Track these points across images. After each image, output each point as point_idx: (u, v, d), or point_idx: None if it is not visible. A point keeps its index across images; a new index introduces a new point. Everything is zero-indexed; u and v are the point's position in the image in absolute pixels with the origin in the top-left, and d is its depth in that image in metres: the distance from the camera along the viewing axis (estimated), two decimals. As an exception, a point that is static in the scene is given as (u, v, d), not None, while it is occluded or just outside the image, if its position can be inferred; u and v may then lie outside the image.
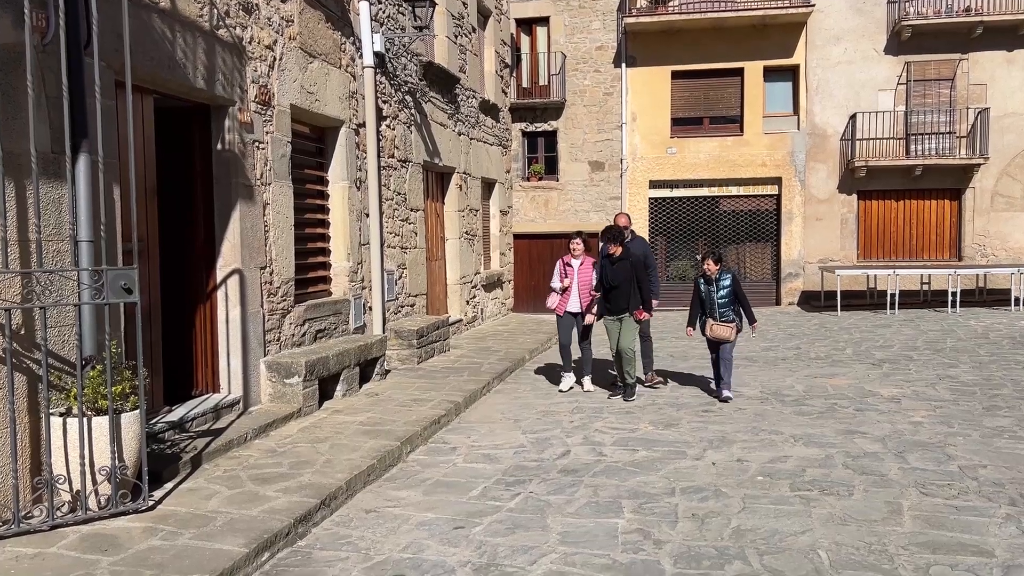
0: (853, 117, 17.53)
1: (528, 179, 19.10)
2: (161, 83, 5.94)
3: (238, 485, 5.22)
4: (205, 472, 5.48)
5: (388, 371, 9.37)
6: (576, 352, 9.19)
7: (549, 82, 19.02)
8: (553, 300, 9.01)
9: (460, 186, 13.26)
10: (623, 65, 18.47)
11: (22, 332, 4.55)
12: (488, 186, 15.54)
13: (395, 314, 10.55)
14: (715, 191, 18.60)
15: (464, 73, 13.40)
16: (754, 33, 17.79)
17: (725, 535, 4.63)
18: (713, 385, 8.72)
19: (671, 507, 5.10)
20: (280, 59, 7.55)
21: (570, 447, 6.59)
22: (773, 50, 17.86)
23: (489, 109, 15.11)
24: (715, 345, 8.32)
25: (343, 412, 7.45)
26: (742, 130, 18.20)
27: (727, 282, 8.17)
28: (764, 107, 18.16)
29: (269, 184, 7.36)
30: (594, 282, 8.68)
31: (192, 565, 3.92)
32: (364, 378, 8.70)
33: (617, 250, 8.32)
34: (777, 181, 18.18)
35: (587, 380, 9.01)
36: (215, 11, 6.49)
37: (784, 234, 18.24)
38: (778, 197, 18.29)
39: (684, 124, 18.58)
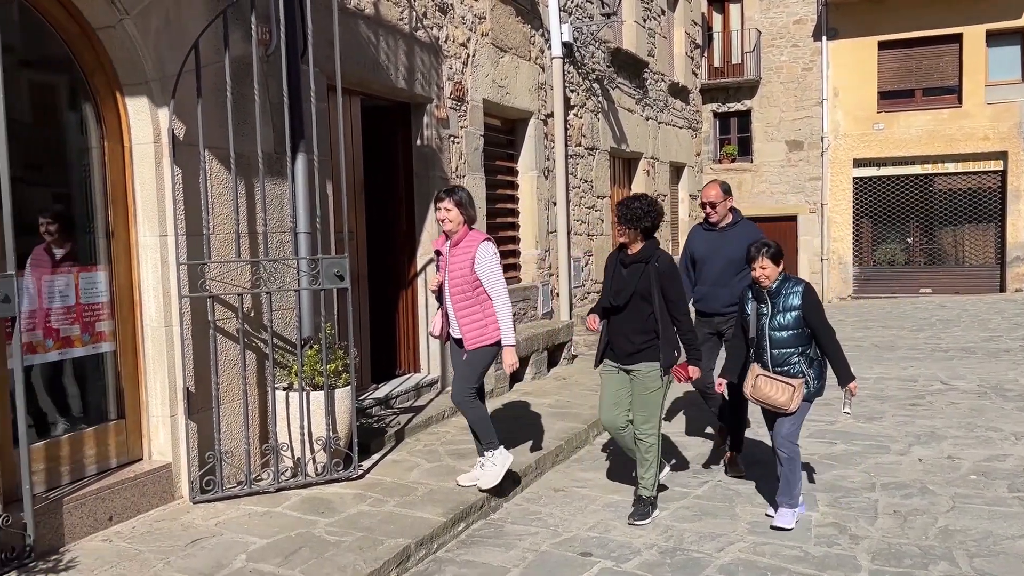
0: (1097, 80, 15.56)
1: (719, 161, 18.60)
2: (366, 85, 6.40)
3: (437, 459, 5.56)
4: (407, 446, 5.89)
5: (575, 356, 9.54)
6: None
7: (742, 60, 18.38)
8: (434, 320, 5.20)
9: (648, 171, 13.17)
10: (823, 38, 17.49)
11: (251, 315, 5.10)
12: (677, 170, 15.30)
13: (581, 300, 10.69)
14: (928, 168, 17.21)
15: (652, 57, 13.26)
16: (974, -6, 16.22)
17: (930, 534, 4.36)
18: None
19: (870, 502, 4.86)
20: (473, 55, 7.87)
21: (761, 437, 6.42)
22: (996, 12, 16.19)
23: (678, 91, 14.85)
24: (771, 415, 4.64)
25: (532, 394, 7.69)
26: (960, 101, 16.69)
27: (795, 299, 4.44)
28: (987, 75, 16.53)
29: (463, 176, 7.72)
30: (493, 281, 4.83)
31: (396, 530, 4.26)
32: (552, 362, 8.92)
33: (634, 244, 4.59)
34: (1002, 156, 16.52)
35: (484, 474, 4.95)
36: (414, 13, 6.89)
37: (1010, 214, 16.55)
38: (1003, 173, 16.62)
39: (892, 98, 17.31)
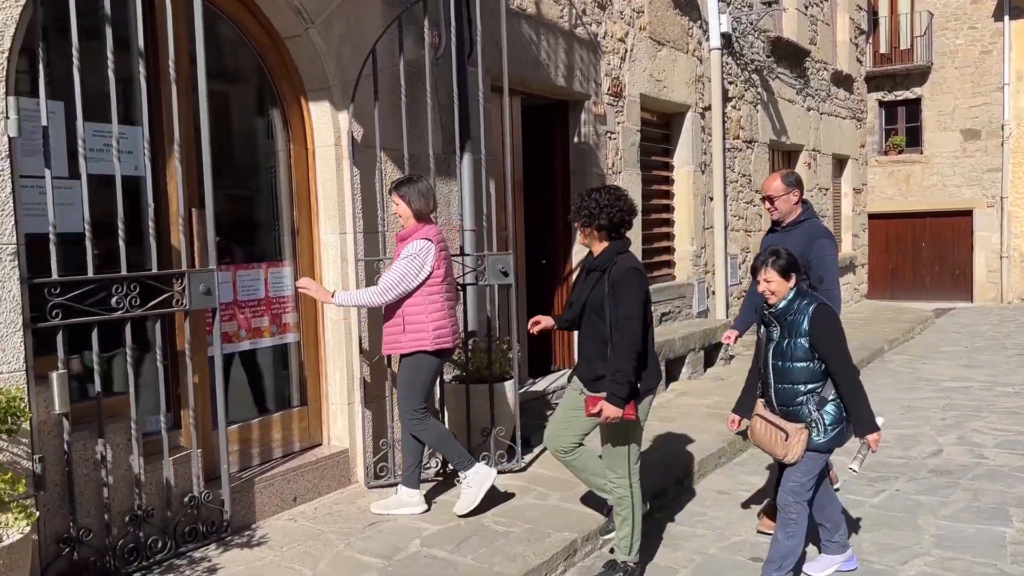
0: None
1: (885, 153, 17.57)
2: (527, 84, 6.48)
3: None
4: (566, 441, 5.91)
5: (732, 356, 9.28)
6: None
7: (912, 45, 17.26)
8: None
9: (808, 164, 12.62)
10: (1005, 18, 16.15)
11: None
12: (839, 163, 14.57)
13: (739, 299, 10.38)
14: None
15: (814, 45, 12.69)
16: None
17: None
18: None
19: (1074, 522, 4.45)
20: (631, 50, 7.81)
21: (942, 446, 6.02)
22: None
23: (841, 80, 14.13)
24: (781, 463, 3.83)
25: (689, 394, 7.55)
26: None
27: (804, 322, 3.56)
28: None
29: (620, 172, 7.68)
30: (390, 271, 4.33)
31: (562, 524, 4.29)
32: (708, 362, 8.71)
33: (594, 245, 3.75)
34: None
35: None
36: (573, 11, 6.91)
37: None
38: None
39: (1087, 79, 15.74)
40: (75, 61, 3.43)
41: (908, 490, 5.08)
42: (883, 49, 17.69)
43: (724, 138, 9.66)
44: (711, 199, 9.45)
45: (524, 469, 5.21)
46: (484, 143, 5.26)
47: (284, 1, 4.45)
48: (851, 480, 5.27)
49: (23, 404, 2.94)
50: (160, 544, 3.78)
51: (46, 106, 3.37)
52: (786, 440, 3.57)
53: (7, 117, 3.22)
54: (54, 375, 3.37)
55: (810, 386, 3.56)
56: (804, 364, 3.55)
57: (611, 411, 3.53)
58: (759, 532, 4.41)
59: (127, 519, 3.68)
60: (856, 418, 3.55)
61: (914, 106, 17.34)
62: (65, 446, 3.45)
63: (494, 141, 6.00)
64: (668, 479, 5.07)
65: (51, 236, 3.39)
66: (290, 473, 4.52)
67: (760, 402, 3.78)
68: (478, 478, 4.35)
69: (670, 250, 9.15)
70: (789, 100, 11.81)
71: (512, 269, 5.14)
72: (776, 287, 3.58)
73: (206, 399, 4.22)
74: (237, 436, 4.45)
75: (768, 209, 4.67)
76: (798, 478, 3.59)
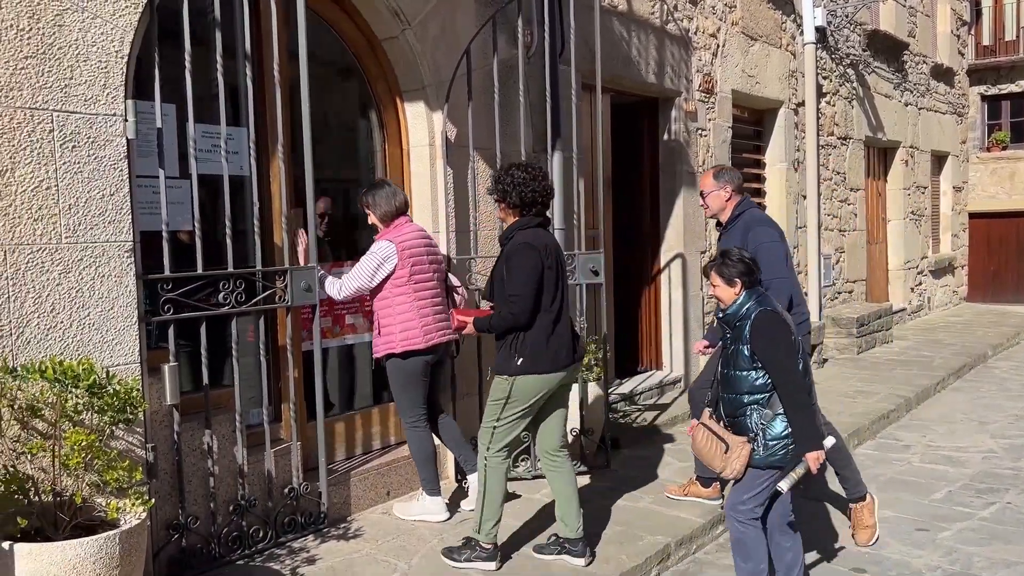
0: None
1: (988, 149, 16.73)
2: (617, 81, 6.41)
3: (686, 458, 5.44)
4: (654, 443, 5.84)
5: (825, 360, 9.00)
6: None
7: (1018, 36, 16.39)
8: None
9: (906, 161, 12.13)
10: (1123, 4, 15.18)
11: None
12: (938, 160, 13.97)
13: (832, 300, 10.07)
14: None
15: (913, 38, 12.19)
16: None
17: None
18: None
19: None
20: (723, 46, 7.65)
21: (1057, 458, 5.70)
22: None
23: (942, 74, 13.54)
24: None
25: (781, 398, 7.34)
26: None
27: (747, 329, 3.29)
28: None
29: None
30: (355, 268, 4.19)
31: (654, 527, 4.23)
32: (801, 365, 8.46)
33: (510, 219, 3.80)
34: None
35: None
36: (664, 7, 6.81)
37: None
38: None
39: None
40: (187, 66, 3.56)
41: (1021, 503, 4.82)
42: (986, 41, 16.85)
43: (818, 135, 9.37)
44: (804, 197, 9.18)
45: (613, 469, 5.16)
46: (575, 141, 5.23)
47: (382, 4, 4.53)
48: (957, 491, 5.05)
49: (139, 395, 3.06)
50: (261, 533, 3.89)
51: (160, 108, 3.51)
52: (725, 453, 3.28)
53: (126, 120, 3.37)
54: (166, 367, 3.50)
55: (754, 396, 3.27)
56: (745, 373, 3.28)
57: (464, 326, 3.80)
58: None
59: (231, 508, 3.80)
60: (796, 433, 3.20)
61: (1019, 100, 16.46)
62: (175, 436, 3.59)
63: (584, 139, 5.96)
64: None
65: (164, 234, 3.52)
66: (384, 467, 4.59)
67: (707, 411, 3.49)
68: (429, 507, 4.28)
69: (760, 250, 8.92)
70: (886, 95, 11.38)
71: (603, 268, 5.10)
72: (720, 292, 3.36)
73: (301, 392, 4.32)
74: (334, 429, 4.55)
75: (701, 206, 4.56)
76: (738, 496, 3.33)
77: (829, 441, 3.28)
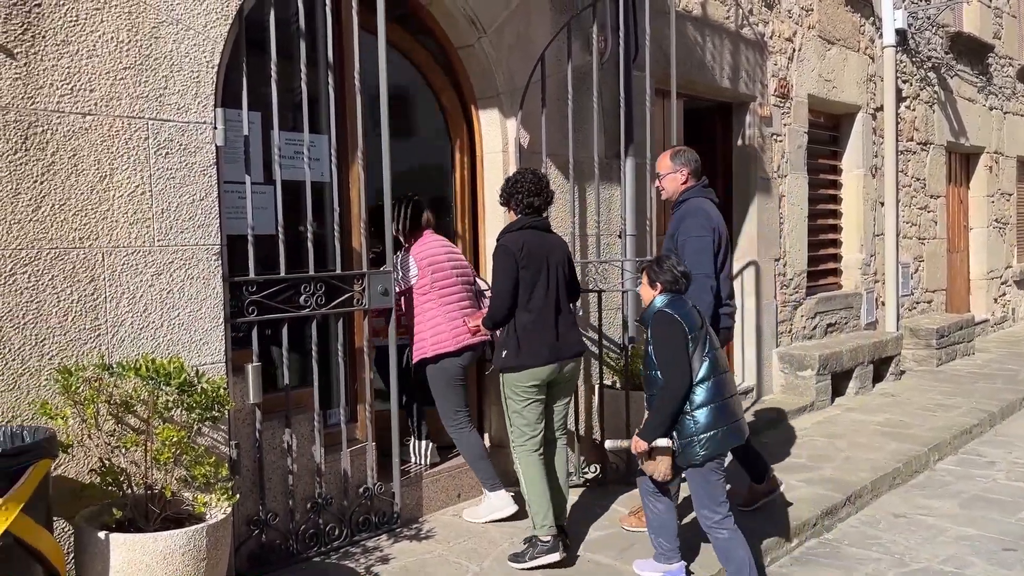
0: None
1: (1078, 155, 15.99)
2: (691, 86, 6.36)
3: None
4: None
5: (903, 372, 8.73)
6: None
7: (1112, 35, 15.63)
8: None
9: (990, 167, 11.69)
10: None
11: (579, 313, 5.29)
12: (1025, 166, 13.41)
13: (910, 310, 9.77)
14: None
15: (999, 39, 11.75)
16: None
17: None
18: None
19: None
20: (799, 50, 7.52)
21: None
22: None
23: (1029, 76, 13.01)
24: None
25: (856, 410, 7.16)
26: None
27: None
28: None
29: (785, 176, 7.40)
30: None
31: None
32: (877, 377, 8.23)
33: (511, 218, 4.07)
34: None
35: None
36: (740, 11, 6.73)
37: None
38: None
39: None
40: (273, 75, 3.67)
41: (1117, 526, 4.60)
42: (1078, 41, 16.12)
43: (897, 140, 9.10)
44: (882, 204, 8.93)
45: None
46: (649, 147, 5.21)
47: (459, 12, 4.59)
48: (1048, 511, 4.84)
49: (226, 394, 3.16)
50: (337, 532, 3.98)
51: (247, 116, 3.63)
52: (649, 457, 3.38)
53: (215, 128, 3.49)
54: (249, 367, 3.62)
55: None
56: (652, 373, 3.42)
57: (474, 322, 4.22)
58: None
59: (308, 506, 3.90)
60: (645, 422, 3.41)
61: (1114, 102, 15.69)
62: (256, 434, 3.70)
63: (656, 144, 5.93)
64: (838, 497, 4.83)
65: (249, 238, 3.64)
66: (455, 470, 4.64)
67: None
68: (494, 504, 4.32)
69: (837, 258, 8.72)
70: (969, 99, 10.99)
71: (676, 275, 5.05)
72: (642, 291, 3.54)
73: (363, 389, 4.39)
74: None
75: (656, 187, 4.40)
76: (696, 508, 3.46)
77: (662, 442, 3.34)
